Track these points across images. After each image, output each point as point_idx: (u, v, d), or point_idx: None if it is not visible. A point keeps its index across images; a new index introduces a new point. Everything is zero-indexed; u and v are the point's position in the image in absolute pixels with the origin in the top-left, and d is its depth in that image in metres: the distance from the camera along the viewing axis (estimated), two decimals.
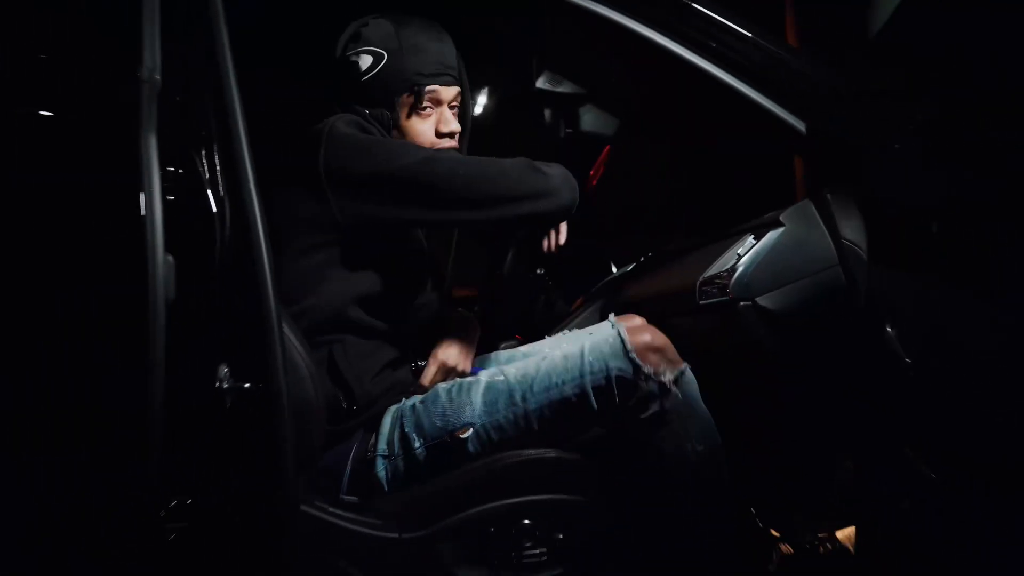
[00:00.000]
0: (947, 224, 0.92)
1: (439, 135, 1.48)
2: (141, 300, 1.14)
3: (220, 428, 1.04)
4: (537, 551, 1.32)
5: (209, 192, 1.06)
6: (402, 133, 1.47)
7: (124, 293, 1.19)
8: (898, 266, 0.97)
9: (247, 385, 1.06)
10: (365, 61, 1.44)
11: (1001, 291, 0.87)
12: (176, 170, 1.03)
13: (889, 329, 1.03)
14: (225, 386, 1.04)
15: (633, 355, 1.33)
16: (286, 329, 1.15)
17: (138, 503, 1.21)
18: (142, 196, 0.94)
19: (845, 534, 1.46)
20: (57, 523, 1.24)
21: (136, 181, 1.09)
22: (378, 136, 1.42)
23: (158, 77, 1.03)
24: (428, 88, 1.45)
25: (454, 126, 1.49)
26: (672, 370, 1.34)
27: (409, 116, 1.47)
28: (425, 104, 1.45)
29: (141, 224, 1.05)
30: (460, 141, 1.55)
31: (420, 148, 1.40)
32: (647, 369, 1.32)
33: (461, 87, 1.52)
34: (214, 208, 1.06)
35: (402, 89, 1.44)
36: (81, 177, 1.22)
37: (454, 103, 1.50)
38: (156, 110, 0.98)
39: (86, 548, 1.26)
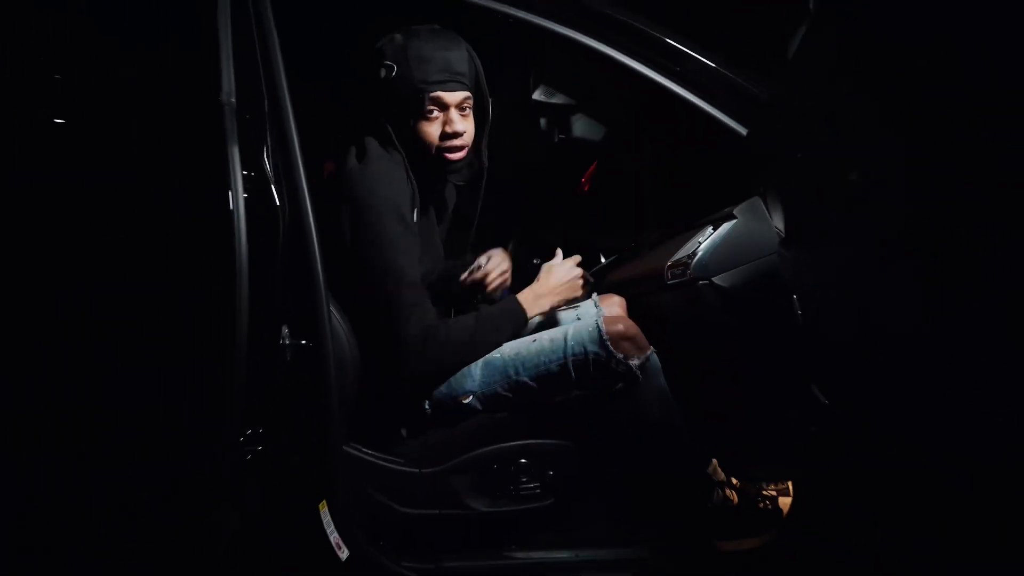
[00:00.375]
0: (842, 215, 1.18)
1: (444, 136, 1.60)
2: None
3: (283, 374, 1.32)
4: (532, 485, 1.60)
5: (274, 189, 1.33)
6: (415, 136, 1.60)
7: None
8: (804, 247, 1.23)
9: (303, 342, 1.34)
10: (380, 72, 1.58)
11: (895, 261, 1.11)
12: (249, 173, 1.29)
13: (795, 297, 1.30)
14: (287, 343, 1.32)
15: (608, 343, 1.56)
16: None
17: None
18: (230, 194, 1.21)
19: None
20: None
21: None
22: (383, 194, 1.54)
23: (233, 100, 1.31)
24: (432, 94, 1.56)
25: (458, 127, 1.59)
26: (640, 356, 1.59)
27: (419, 120, 1.59)
28: (430, 108, 1.57)
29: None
30: (477, 140, 1.68)
31: (395, 231, 1.52)
32: (618, 355, 1.56)
33: (474, 91, 1.62)
34: (277, 202, 1.33)
35: (409, 96, 1.56)
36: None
37: (464, 106, 1.61)
38: (236, 126, 1.26)
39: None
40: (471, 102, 1.63)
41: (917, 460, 1.15)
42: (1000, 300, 0.92)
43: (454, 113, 1.60)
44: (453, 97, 1.59)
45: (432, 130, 1.60)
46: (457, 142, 1.61)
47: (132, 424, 1.34)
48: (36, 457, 1.33)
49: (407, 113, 1.59)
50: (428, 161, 1.62)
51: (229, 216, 1.20)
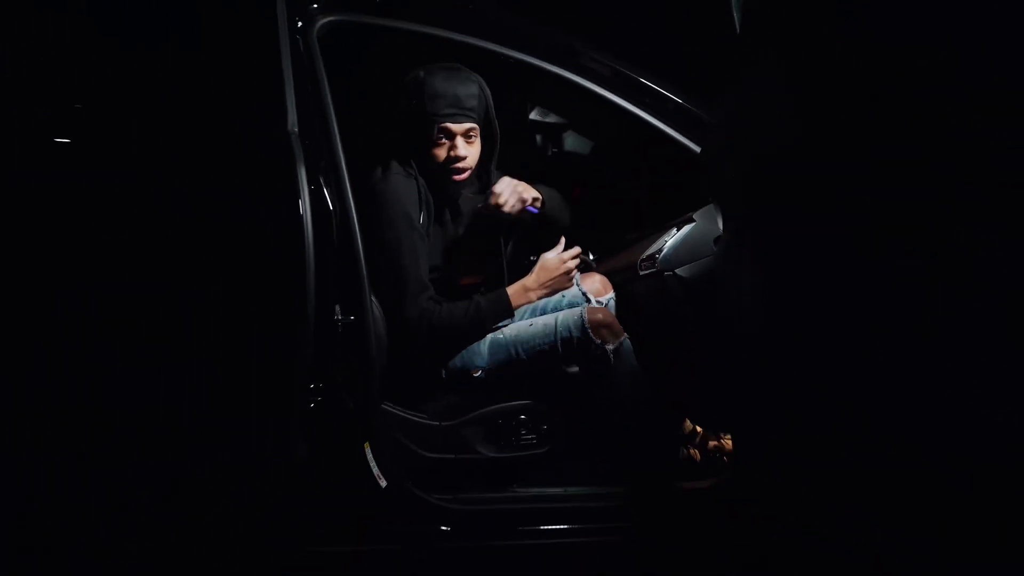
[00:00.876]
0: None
1: (449, 160, 1.95)
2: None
3: (336, 343, 1.67)
4: (529, 436, 1.96)
5: (327, 195, 1.69)
6: (427, 157, 1.95)
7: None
8: (729, 246, 1.58)
9: (351, 318, 1.70)
10: (403, 105, 1.96)
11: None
12: (314, 179, 1.66)
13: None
14: (339, 319, 1.69)
15: (588, 330, 1.92)
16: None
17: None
18: (299, 202, 1.58)
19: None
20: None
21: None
22: (396, 206, 1.91)
23: (296, 130, 1.67)
24: (440, 124, 1.91)
25: (461, 153, 1.93)
26: (614, 341, 1.96)
27: (430, 146, 1.95)
28: (439, 135, 1.93)
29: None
30: (486, 163, 2.06)
31: (404, 233, 1.89)
32: (596, 340, 1.93)
33: (481, 122, 1.96)
34: (330, 207, 1.69)
35: (422, 125, 1.93)
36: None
37: (470, 135, 1.95)
38: (301, 150, 1.63)
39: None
40: (477, 132, 1.98)
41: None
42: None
43: (459, 140, 1.95)
44: (459, 127, 1.95)
45: (440, 153, 1.97)
46: (460, 165, 1.97)
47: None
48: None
49: (421, 138, 1.95)
50: (437, 178, 1.99)
51: (298, 220, 1.57)
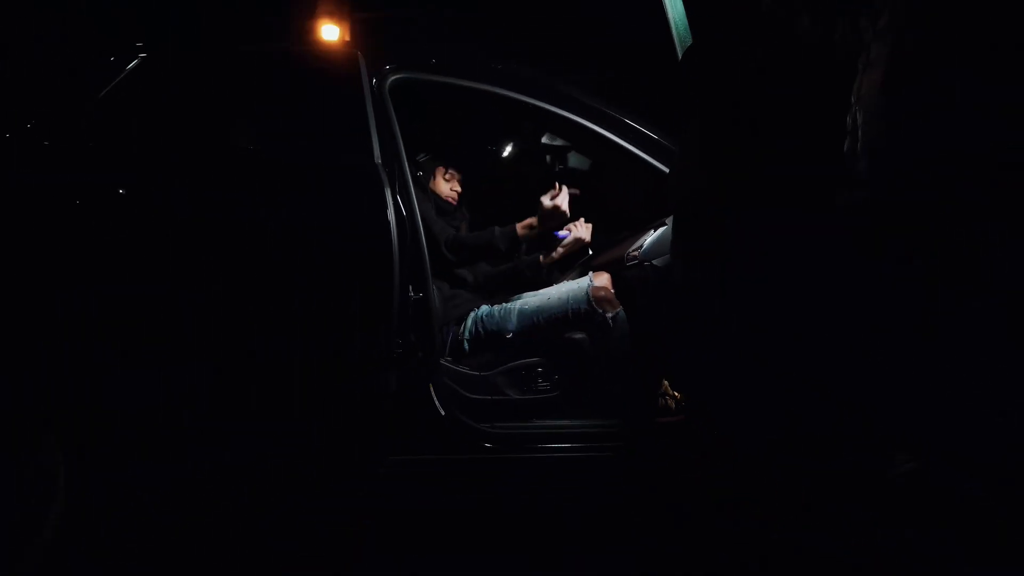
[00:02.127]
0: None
1: (450, 190, 3.01)
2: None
3: (409, 312, 2.35)
4: (545, 384, 2.63)
5: (403, 207, 2.37)
6: (437, 184, 3.01)
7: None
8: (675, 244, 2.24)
9: (420, 294, 2.38)
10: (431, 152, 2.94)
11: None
12: (394, 196, 2.33)
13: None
14: (411, 295, 2.37)
15: (592, 300, 2.64)
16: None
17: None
18: (387, 211, 2.26)
19: None
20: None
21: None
22: (425, 208, 2.68)
23: (380, 160, 2.36)
24: (451, 168, 3.03)
25: (456, 187, 3.03)
26: (612, 310, 2.65)
27: (441, 178, 3.02)
28: (447, 174, 3.03)
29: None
30: (460, 201, 3.06)
31: (431, 221, 2.71)
32: (599, 310, 2.63)
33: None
34: (404, 213, 2.37)
35: (439, 164, 3.02)
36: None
37: (460, 181, 3.03)
38: (385, 175, 2.30)
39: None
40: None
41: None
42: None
43: (455, 182, 3.04)
44: (459, 174, 3.07)
45: (444, 185, 2.96)
46: (453, 195, 3.04)
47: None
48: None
49: (434, 173, 2.98)
50: (438, 202, 2.91)
51: (387, 226, 2.24)
